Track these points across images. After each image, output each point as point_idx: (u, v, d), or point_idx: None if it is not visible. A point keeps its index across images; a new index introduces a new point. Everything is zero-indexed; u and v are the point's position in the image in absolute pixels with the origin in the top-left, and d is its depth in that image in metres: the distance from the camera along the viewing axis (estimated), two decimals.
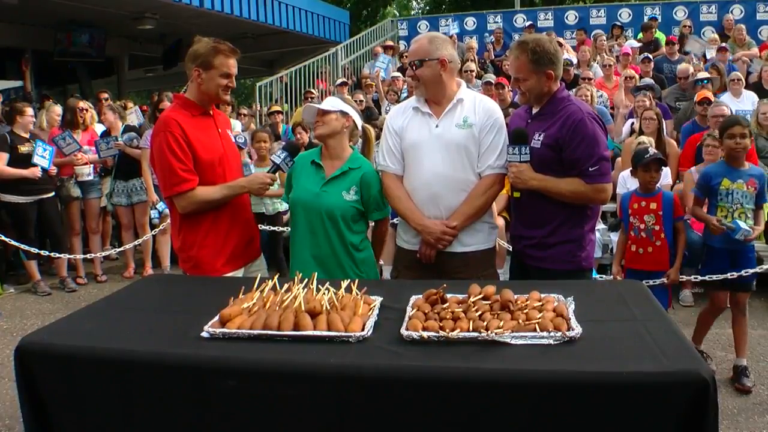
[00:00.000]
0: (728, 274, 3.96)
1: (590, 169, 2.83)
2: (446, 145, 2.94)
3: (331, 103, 3.11)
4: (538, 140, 2.90)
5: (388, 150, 3.07)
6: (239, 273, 3.06)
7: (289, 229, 3.26)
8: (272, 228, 6.00)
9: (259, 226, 4.23)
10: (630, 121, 7.20)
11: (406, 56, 12.08)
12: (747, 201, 3.93)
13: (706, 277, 4.05)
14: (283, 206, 6.54)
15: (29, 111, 6.41)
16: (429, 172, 2.94)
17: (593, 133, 2.84)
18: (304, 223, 3.05)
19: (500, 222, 5.63)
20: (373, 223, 3.24)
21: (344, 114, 3.09)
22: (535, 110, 3.02)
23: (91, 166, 6.80)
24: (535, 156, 2.87)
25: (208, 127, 3.03)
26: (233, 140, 3.19)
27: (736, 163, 3.98)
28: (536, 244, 2.96)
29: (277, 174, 3.12)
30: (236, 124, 7.42)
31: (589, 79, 8.69)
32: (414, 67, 2.96)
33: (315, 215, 3.01)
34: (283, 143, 3.06)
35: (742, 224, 3.85)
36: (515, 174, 2.87)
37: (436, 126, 2.98)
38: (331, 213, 3.00)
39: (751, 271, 3.97)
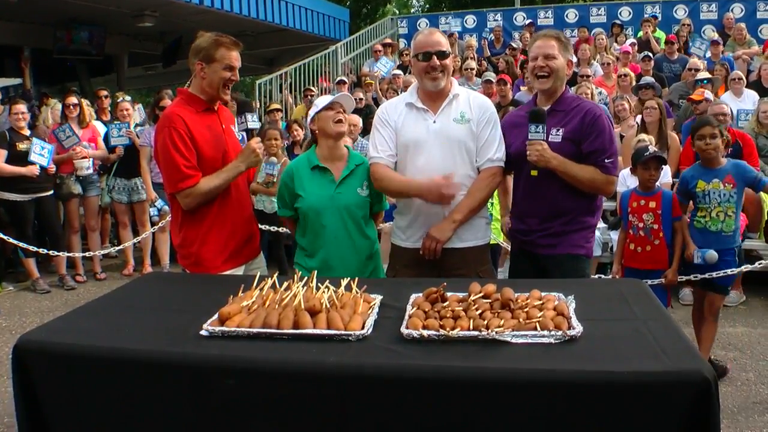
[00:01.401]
0: (704, 274, 3.97)
1: (606, 161, 2.97)
2: (446, 141, 2.95)
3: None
4: (558, 135, 2.98)
5: (382, 141, 3.03)
6: (239, 271, 3.05)
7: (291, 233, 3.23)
8: (275, 228, 5.96)
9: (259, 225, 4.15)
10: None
11: (407, 51, 12.13)
12: (725, 199, 3.90)
13: (691, 277, 4.03)
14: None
15: (16, 108, 6.37)
16: (430, 167, 2.93)
17: (610, 128, 3.03)
18: (324, 228, 3.00)
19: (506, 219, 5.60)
20: None
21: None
22: (546, 107, 3.06)
23: (90, 160, 6.77)
24: (554, 150, 2.94)
25: (212, 123, 3.01)
26: (237, 136, 3.18)
27: (710, 164, 3.98)
28: (552, 233, 3.02)
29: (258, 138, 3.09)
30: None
31: (588, 76, 8.68)
32: (440, 58, 2.94)
33: (335, 217, 3.00)
34: (242, 118, 3.05)
35: (702, 251, 3.90)
36: (540, 152, 2.90)
37: (434, 122, 2.98)
38: (351, 211, 3.01)
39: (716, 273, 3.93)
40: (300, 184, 3.07)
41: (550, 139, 2.95)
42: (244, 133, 3.15)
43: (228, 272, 2.98)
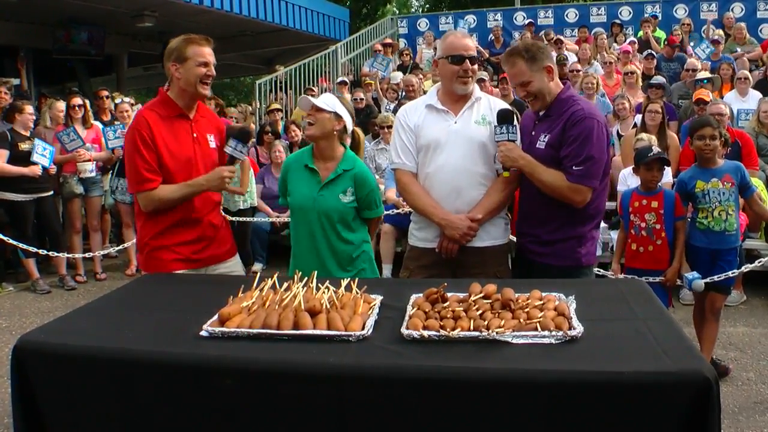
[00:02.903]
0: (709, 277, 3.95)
1: (574, 167, 2.82)
2: (467, 141, 2.97)
3: (327, 101, 3.10)
4: (543, 141, 2.92)
5: (404, 147, 3.07)
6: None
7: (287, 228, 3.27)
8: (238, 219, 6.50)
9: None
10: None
11: (407, 51, 12.13)
12: (725, 198, 3.90)
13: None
14: (247, 203, 6.86)
15: (29, 108, 6.41)
16: (451, 166, 2.96)
17: (588, 132, 2.82)
18: (304, 226, 3.09)
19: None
20: None
21: (338, 116, 3.09)
22: (541, 112, 3.02)
23: (94, 163, 6.78)
24: (539, 157, 2.89)
25: (182, 130, 2.99)
26: (211, 146, 3.10)
27: (708, 164, 3.98)
28: (539, 241, 2.98)
29: (236, 165, 3.06)
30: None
31: (578, 70, 8.71)
32: (471, 62, 2.96)
33: (314, 219, 3.06)
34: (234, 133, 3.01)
35: (690, 276, 3.91)
36: (504, 152, 2.88)
37: (455, 123, 3.00)
38: (329, 216, 3.05)
39: (724, 275, 3.93)
40: (291, 179, 3.18)
41: (537, 145, 2.92)
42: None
43: (180, 272, 2.96)
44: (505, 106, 3.14)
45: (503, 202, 3.04)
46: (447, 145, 2.97)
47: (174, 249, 2.97)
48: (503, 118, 2.92)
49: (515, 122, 2.94)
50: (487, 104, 3.07)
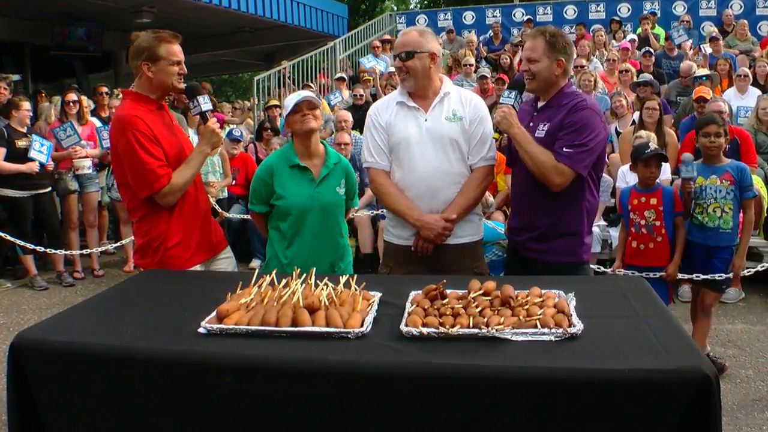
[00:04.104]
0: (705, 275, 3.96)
1: (564, 149, 2.81)
2: (438, 139, 2.95)
3: (312, 97, 3.14)
4: (543, 130, 2.90)
5: (376, 146, 3.06)
6: (210, 264, 3.05)
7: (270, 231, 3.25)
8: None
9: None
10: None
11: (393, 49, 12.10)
12: (721, 196, 3.92)
13: (694, 276, 4.02)
14: (224, 193, 7.04)
15: (25, 105, 6.38)
16: (425, 166, 2.94)
17: (586, 121, 2.83)
18: (303, 226, 3.07)
19: (500, 217, 5.64)
20: None
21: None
22: (541, 103, 3.02)
23: (90, 159, 6.76)
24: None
25: (166, 121, 2.98)
26: (186, 134, 3.13)
27: (712, 161, 4.01)
28: (539, 236, 2.95)
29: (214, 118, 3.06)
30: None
31: (581, 66, 8.68)
32: (402, 59, 2.93)
33: (315, 216, 3.06)
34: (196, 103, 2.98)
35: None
36: (504, 114, 2.86)
37: (425, 120, 2.98)
38: (330, 210, 3.09)
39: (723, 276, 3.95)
40: (279, 182, 3.10)
41: (536, 135, 2.90)
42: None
43: (197, 267, 2.95)
44: (478, 98, 3.14)
45: (476, 200, 3.03)
46: (419, 145, 2.95)
47: (188, 243, 2.94)
48: (513, 84, 2.95)
49: (522, 95, 2.94)
50: (457, 98, 3.03)
